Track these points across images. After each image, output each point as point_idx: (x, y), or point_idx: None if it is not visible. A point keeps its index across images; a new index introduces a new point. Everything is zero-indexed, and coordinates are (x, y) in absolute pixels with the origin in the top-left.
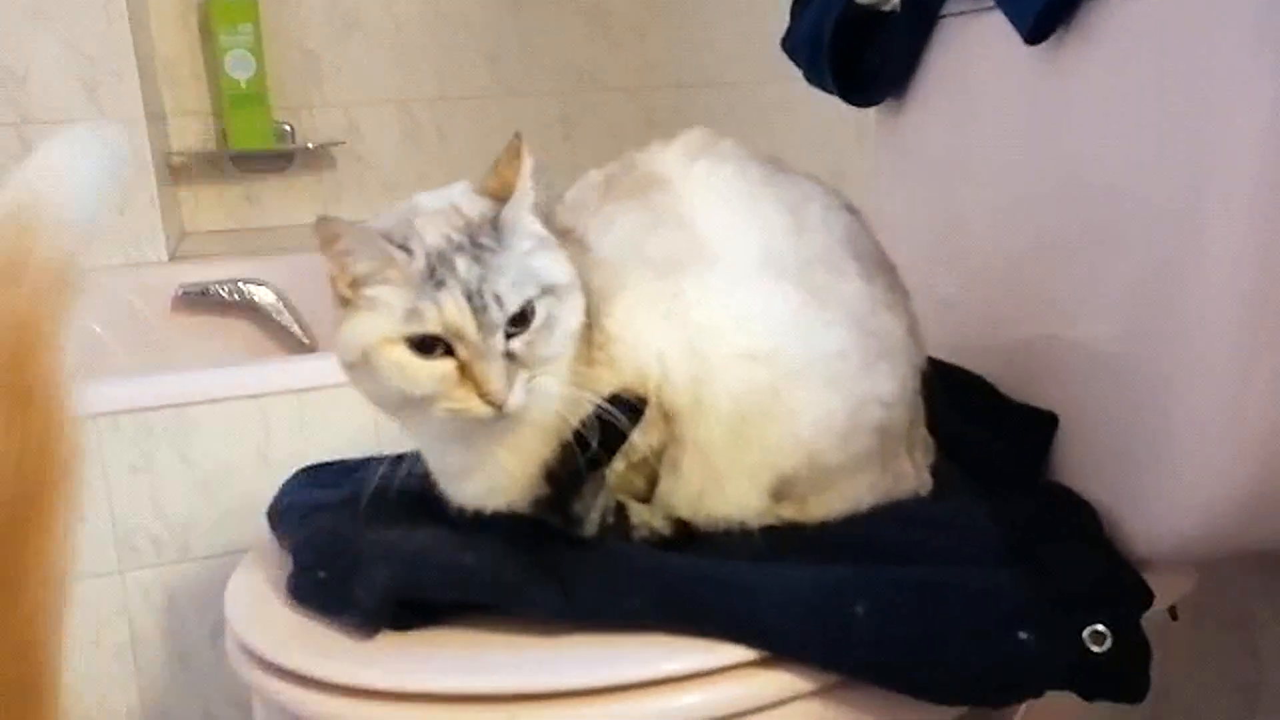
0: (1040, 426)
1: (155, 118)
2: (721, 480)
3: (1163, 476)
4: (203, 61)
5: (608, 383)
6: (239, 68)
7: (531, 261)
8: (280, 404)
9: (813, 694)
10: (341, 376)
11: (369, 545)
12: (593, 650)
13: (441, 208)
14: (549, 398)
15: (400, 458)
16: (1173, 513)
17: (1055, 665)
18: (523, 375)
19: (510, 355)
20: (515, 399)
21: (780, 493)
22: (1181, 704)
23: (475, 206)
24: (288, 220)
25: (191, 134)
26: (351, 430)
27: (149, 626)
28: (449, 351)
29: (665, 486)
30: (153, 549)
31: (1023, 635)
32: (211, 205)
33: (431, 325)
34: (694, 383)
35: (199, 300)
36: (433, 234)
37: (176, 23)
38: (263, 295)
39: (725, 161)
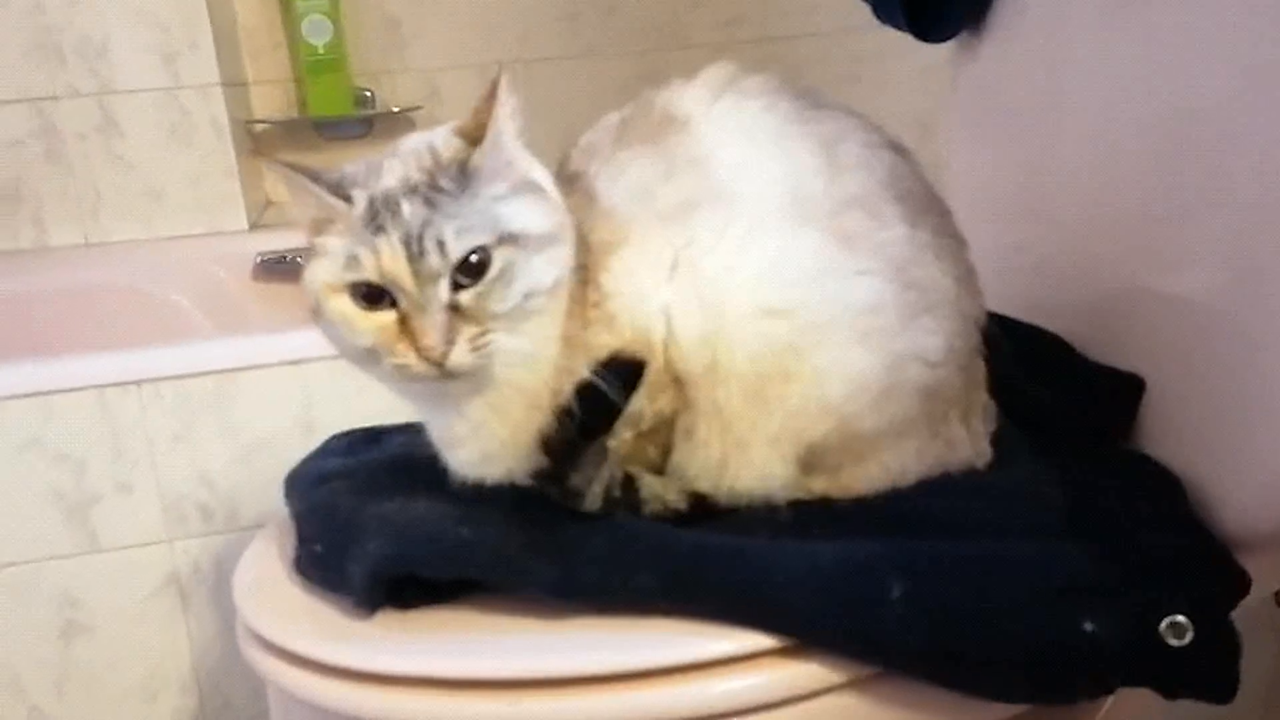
0: (1124, 391)
1: (235, 86)
2: (744, 449)
3: (1261, 446)
4: (282, 29)
5: (604, 344)
6: (316, 33)
7: (498, 208)
8: (321, 370)
9: (845, 686)
10: (349, 360)
11: (366, 518)
12: (601, 635)
13: (418, 148)
14: (512, 358)
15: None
16: (1266, 487)
17: (1126, 660)
18: (468, 331)
19: (457, 308)
20: (456, 357)
21: (810, 463)
22: None
23: (449, 148)
24: None
25: (273, 102)
26: (394, 397)
27: (199, 595)
28: (394, 302)
29: (680, 457)
30: (200, 517)
31: (1088, 626)
32: None
33: (368, 272)
34: (706, 342)
35: (277, 268)
36: (391, 176)
37: None
38: None
39: (751, 98)
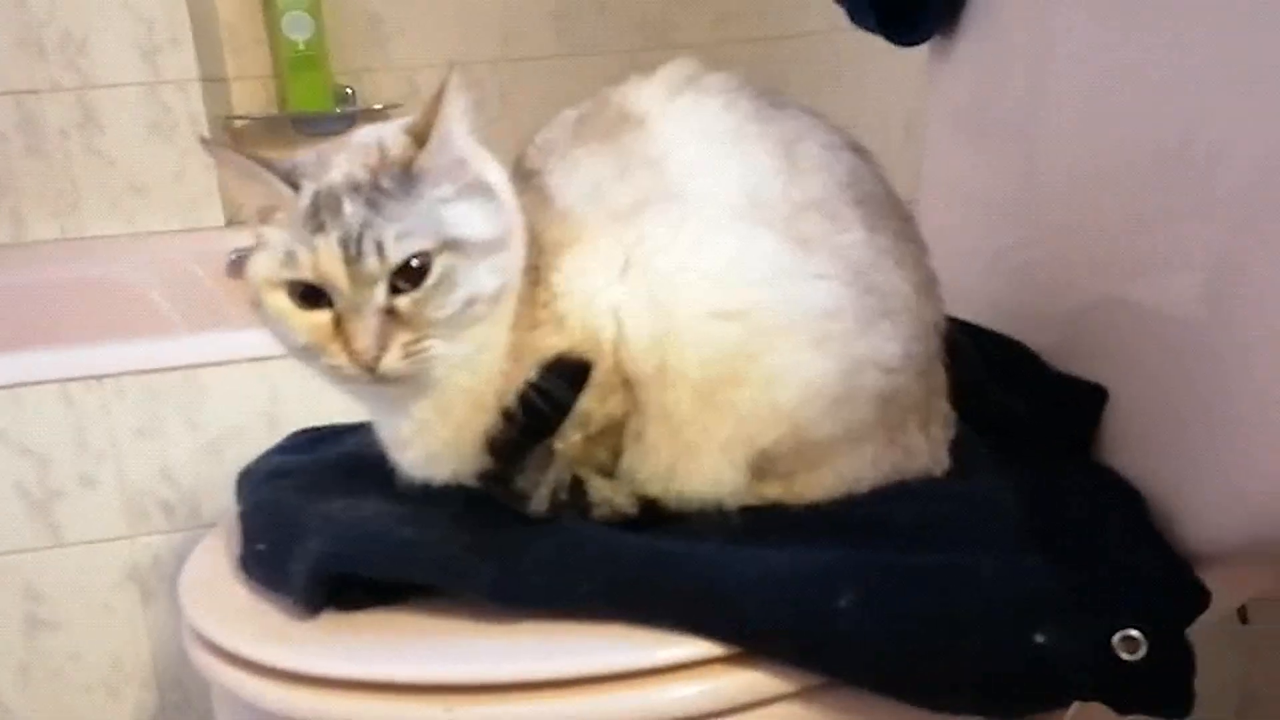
0: (1087, 401)
1: (215, 82)
2: (694, 454)
3: (1227, 461)
4: (263, 25)
5: (553, 345)
6: (296, 29)
7: (442, 211)
8: (286, 367)
9: (794, 695)
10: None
11: (310, 517)
12: (545, 640)
13: (367, 143)
14: (450, 364)
15: None
16: (1232, 502)
17: (1078, 674)
18: (402, 337)
19: (393, 313)
20: (388, 363)
21: (762, 469)
22: (1274, 710)
23: (397, 146)
24: None
25: (253, 99)
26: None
27: (161, 592)
28: (331, 303)
29: (630, 460)
30: (162, 514)
31: (1039, 638)
32: None
33: (305, 271)
34: (657, 343)
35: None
36: (338, 171)
37: None
38: None
39: (711, 96)
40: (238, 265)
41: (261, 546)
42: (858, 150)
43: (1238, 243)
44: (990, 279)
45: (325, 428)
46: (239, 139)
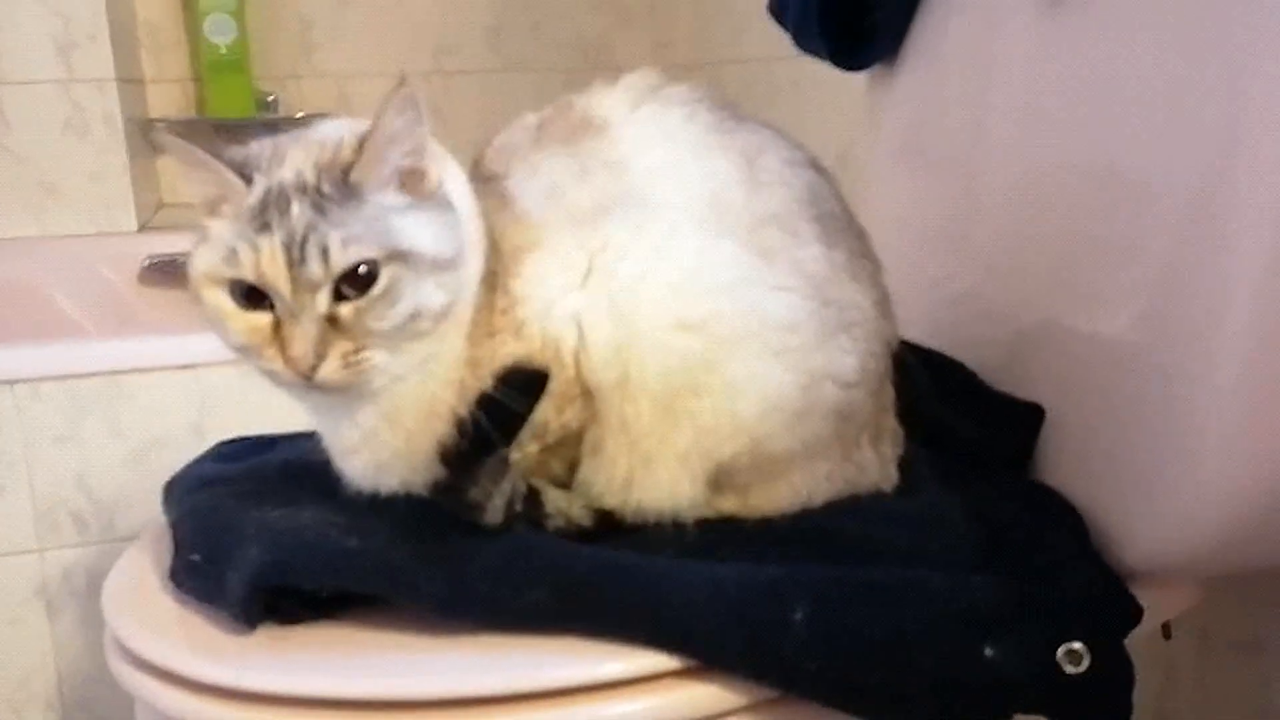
0: (1024, 419)
1: (131, 83)
2: (651, 466)
3: (1161, 482)
4: (183, 26)
5: (510, 352)
6: (219, 32)
7: (392, 220)
8: (218, 375)
9: (744, 709)
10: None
11: (248, 525)
12: (490, 654)
13: (325, 140)
14: (390, 376)
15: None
16: (1170, 522)
17: (1024, 687)
18: (342, 346)
19: (335, 320)
20: (326, 371)
21: (719, 482)
22: None
23: (346, 149)
24: None
25: (170, 101)
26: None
27: (70, 609)
28: (273, 305)
29: (586, 472)
30: (74, 527)
31: (989, 651)
32: None
33: (245, 271)
34: (618, 353)
35: (168, 271)
36: (290, 168)
37: None
38: None
39: (673, 106)
40: (152, 272)
41: (196, 557)
42: (816, 167)
43: (1171, 272)
44: (929, 304)
45: (259, 437)
46: (154, 143)
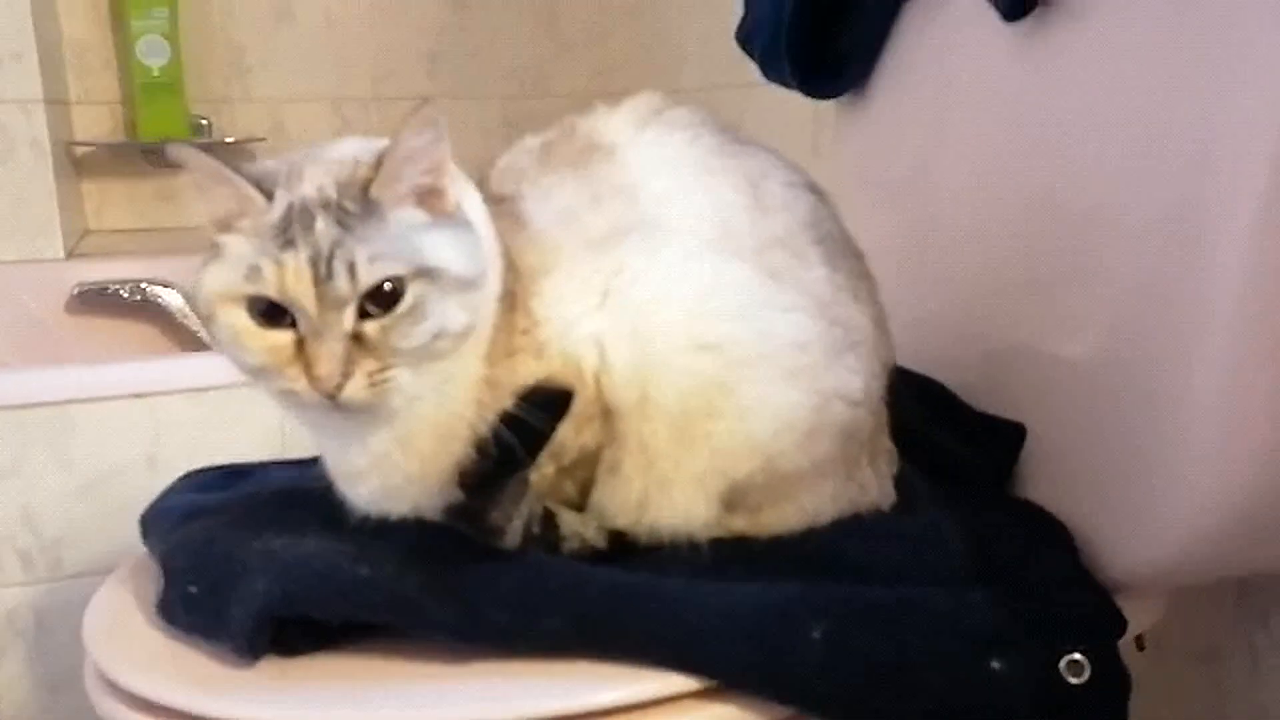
0: (1006, 438)
1: (58, 104)
2: (666, 487)
3: (1142, 498)
4: (113, 47)
5: (531, 372)
6: (152, 53)
7: (418, 238)
8: (172, 404)
9: None
10: (241, 375)
11: (250, 555)
12: (506, 681)
13: (345, 157)
14: (412, 396)
15: (307, 461)
16: (1151, 536)
17: (1030, 698)
18: (367, 364)
19: (359, 338)
20: (350, 390)
21: (733, 502)
22: None
23: (364, 166)
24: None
25: (98, 124)
26: (254, 433)
27: (14, 652)
28: (294, 323)
29: (602, 493)
30: (19, 565)
31: (995, 664)
32: (120, 202)
33: (269, 288)
34: (638, 373)
35: (97, 300)
36: (311, 184)
37: (85, 5)
38: (169, 298)
39: (676, 130)
40: (82, 300)
41: (193, 589)
42: (815, 190)
43: (1139, 292)
44: (898, 326)
45: (231, 466)
46: (82, 167)
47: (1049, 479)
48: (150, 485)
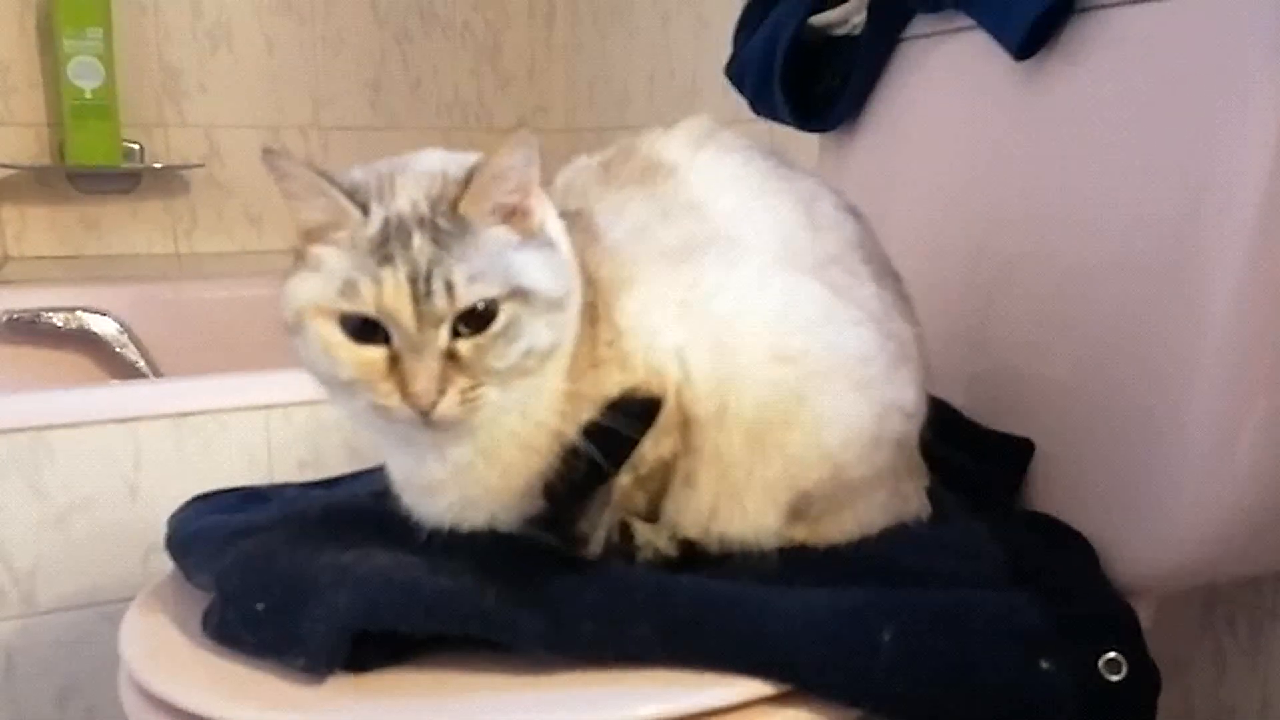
0: (1015, 454)
1: None
2: (737, 496)
3: (1143, 508)
4: (40, 68)
5: (616, 383)
6: (85, 75)
7: (509, 256)
8: (153, 429)
9: None
10: (226, 400)
11: (320, 571)
12: (589, 689)
13: (433, 171)
14: (498, 412)
15: (323, 482)
16: (1152, 544)
17: (1076, 696)
18: (461, 382)
19: (453, 357)
20: (445, 407)
21: (799, 510)
22: None
23: (455, 183)
24: (132, 249)
25: (20, 147)
26: (239, 459)
27: None
28: (388, 339)
29: (675, 503)
30: None
31: (1045, 664)
32: (42, 227)
33: (365, 305)
34: (719, 385)
35: (27, 329)
36: (405, 198)
37: (10, 22)
38: (103, 326)
39: (731, 151)
40: (11, 329)
41: (260, 606)
42: (856, 213)
43: (1137, 311)
44: None
45: (247, 488)
46: (1, 190)
47: (1051, 492)
48: (130, 514)
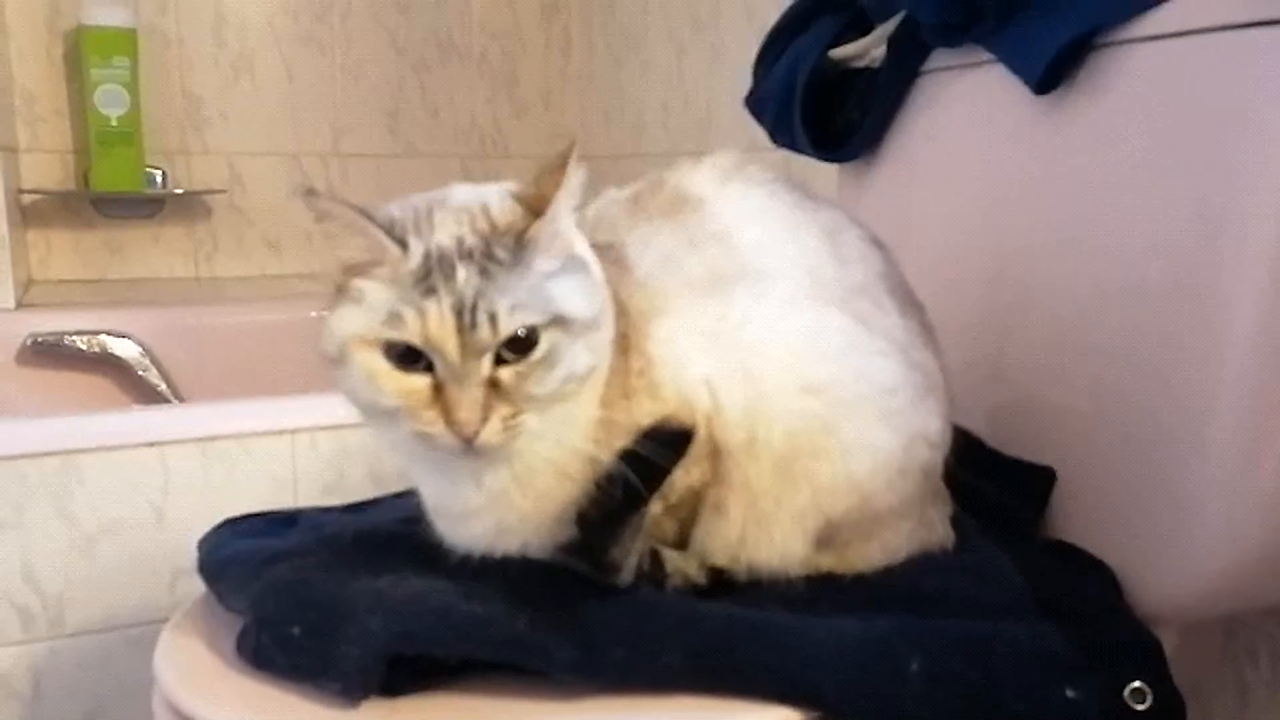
0: (1037, 482)
1: (6, 151)
2: (766, 525)
3: (1166, 538)
4: (66, 96)
5: (648, 412)
6: (111, 103)
7: (550, 286)
8: (180, 454)
9: None
10: (252, 425)
11: (354, 595)
12: (619, 715)
13: (470, 205)
14: (537, 438)
15: (354, 506)
16: (1175, 573)
17: None
18: (503, 410)
19: (495, 385)
20: (487, 435)
21: (826, 539)
22: None
23: (506, 212)
24: (153, 273)
25: (47, 173)
26: (264, 484)
27: (10, 714)
28: (430, 367)
29: (704, 531)
30: (19, 622)
31: (1071, 693)
32: (66, 251)
33: (410, 334)
34: (748, 415)
35: (51, 352)
36: (445, 232)
37: (39, 53)
38: (125, 349)
39: (757, 185)
40: (36, 351)
41: (295, 630)
42: (880, 245)
43: (1156, 341)
44: None
45: (276, 512)
46: (28, 216)
47: (1075, 519)
48: (158, 538)
